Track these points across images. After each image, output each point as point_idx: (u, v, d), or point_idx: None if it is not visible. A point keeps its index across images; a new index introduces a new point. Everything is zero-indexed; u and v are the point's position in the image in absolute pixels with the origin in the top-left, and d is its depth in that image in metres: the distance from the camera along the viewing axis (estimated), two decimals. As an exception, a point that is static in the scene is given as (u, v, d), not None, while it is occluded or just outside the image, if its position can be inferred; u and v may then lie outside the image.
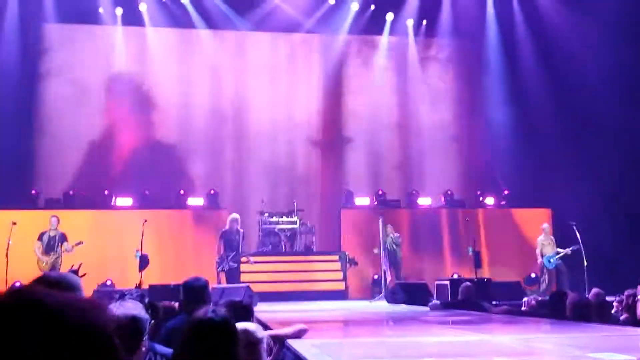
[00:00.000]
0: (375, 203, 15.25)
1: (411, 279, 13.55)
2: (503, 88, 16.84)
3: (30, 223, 12.80)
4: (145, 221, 11.99)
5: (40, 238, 12.01)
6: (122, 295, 3.03)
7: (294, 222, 14.50)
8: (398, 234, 13.89)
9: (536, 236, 13.72)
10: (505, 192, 15.77)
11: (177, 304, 5.41)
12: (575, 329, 5.25)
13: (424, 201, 15.50)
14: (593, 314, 5.68)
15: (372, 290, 13.55)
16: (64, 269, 11.95)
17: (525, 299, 8.23)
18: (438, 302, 9.47)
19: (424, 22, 17.06)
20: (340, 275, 13.95)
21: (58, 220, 12.22)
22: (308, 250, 14.52)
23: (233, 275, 11.69)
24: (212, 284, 9.95)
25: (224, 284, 11.31)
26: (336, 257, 14.22)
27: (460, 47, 17.54)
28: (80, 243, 11.88)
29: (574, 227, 12.41)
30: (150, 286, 10.51)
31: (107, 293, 10.07)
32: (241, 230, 12.01)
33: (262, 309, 8.25)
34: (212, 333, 2.36)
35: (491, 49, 17.16)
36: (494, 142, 16.94)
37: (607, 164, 14.44)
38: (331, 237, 15.44)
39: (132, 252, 11.91)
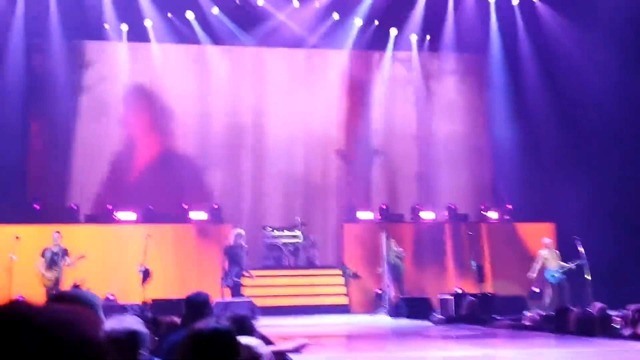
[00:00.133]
0: (379, 217, 15.21)
1: (414, 293, 13.49)
2: (507, 103, 16.83)
3: (33, 238, 12.79)
4: (149, 236, 11.98)
5: (43, 254, 11.94)
6: (124, 310, 3.02)
7: (297, 237, 14.48)
8: (402, 249, 13.85)
9: (539, 250, 13.63)
10: (509, 206, 15.73)
11: (178, 319, 5.39)
12: (579, 344, 5.22)
13: (427, 215, 15.46)
14: (597, 328, 5.65)
15: (375, 304, 13.48)
16: (66, 283, 11.95)
17: (527, 313, 8.19)
18: (441, 316, 9.42)
19: (428, 37, 17.08)
20: (343, 289, 13.91)
21: (60, 236, 12.17)
22: (311, 265, 14.50)
23: (238, 290, 11.67)
24: (216, 299, 9.94)
25: (227, 299, 11.28)
26: (339, 272, 14.19)
27: (464, 62, 17.56)
28: (82, 257, 11.83)
29: (578, 242, 12.35)
30: (153, 300, 10.49)
31: (109, 307, 10.03)
32: (245, 246, 11.99)
33: (264, 324, 8.21)
34: (214, 343, 2.34)
35: (495, 64, 17.17)
36: (497, 157, 16.93)
37: (611, 178, 14.41)
38: (336, 251, 15.42)
39: (135, 266, 11.89)
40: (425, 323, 9.16)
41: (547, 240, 13.43)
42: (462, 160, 17.12)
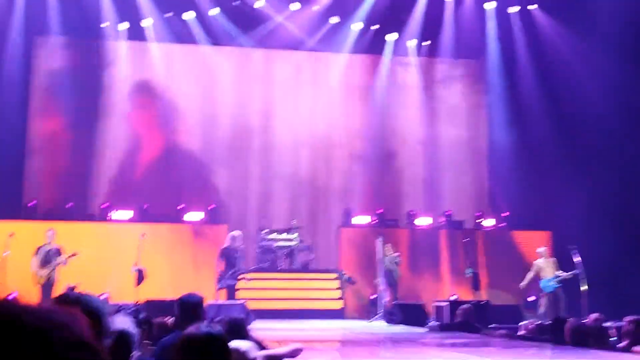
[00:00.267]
0: (375, 222, 15.19)
1: (409, 300, 13.46)
2: (505, 110, 16.87)
3: (28, 234, 12.75)
4: (144, 235, 11.95)
5: (37, 253, 11.89)
6: (118, 310, 2.99)
7: (292, 240, 14.45)
8: (398, 254, 13.83)
9: (535, 259, 13.61)
10: (505, 214, 15.72)
11: (170, 320, 5.36)
12: (573, 355, 5.19)
13: (423, 221, 15.45)
14: (592, 340, 5.62)
15: (369, 309, 13.45)
16: (59, 282, 11.91)
17: (523, 322, 8.16)
18: (436, 323, 9.39)
19: (425, 43, 17.10)
20: (338, 294, 13.88)
21: (54, 234, 12.10)
22: (305, 268, 14.46)
23: (233, 292, 11.63)
24: (210, 301, 9.90)
25: (220, 301, 11.23)
26: (334, 276, 14.16)
27: (462, 67, 17.60)
28: (74, 255, 11.76)
29: (574, 252, 12.32)
30: (147, 301, 10.44)
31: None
32: (241, 248, 11.96)
33: (258, 327, 8.17)
34: (206, 348, 2.33)
35: (492, 71, 17.22)
36: (494, 164, 16.95)
37: (608, 186, 14.41)
38: (331, 255, 15.41)
39: (130, 266, 11.85)
40: (420, 330, 9.13)
41: (541, 249, 13.38)
42: (459, 166, 17.14)
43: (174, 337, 4.19)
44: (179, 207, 14.63)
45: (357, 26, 16.62)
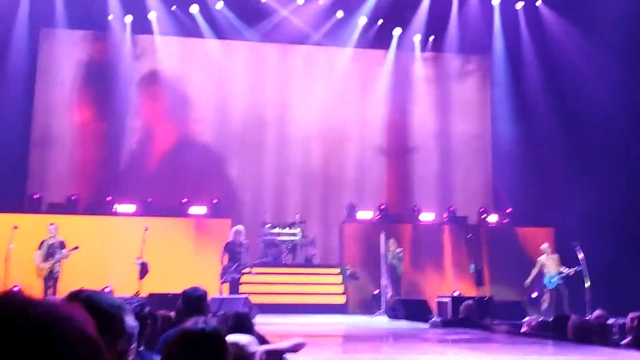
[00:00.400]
0: (378, 217, 15.19)
1: (412, 295, 13.46)
2: (509, 106, 16.83)
3: (32, 227, 12.79)
4: (147, 228, 11.96)
5: (40, 246, 11.97)
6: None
7: (295, 234, 14.46)
8: (401, 249, 13.82)
9: (538, 255, 13.60)
10: (509, 210, 15.71)
11: (173, 313, 5.36)
12: (576, 352, 5.18)
13: (426, 217, 15.45)
14: (594, 336, 5.61)
15: (372, 305, 13.46)
16: (63, 276, 11.96)
17: (526, 319, 8.16)
18: (438, 319, 9.39)
19: (431, 37, 17.08)
20: (341, 289, 13.89)
21: (56, 228, 12.16)
22: (308, 263, 14.47)
23: (235, 286, 11.64)
24: (213, 295, 9.91)
25: (223, 295, 11.25)
26: (337, 271, 14.17)
27: (467, 63, 17.57)
28: (75, 248, 11.82)
29: (577, 248, 12.31)
30: (150, 294, 10.45)
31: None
32: (245, 242, 11.96)
33: (260, 321, 8.18)
34: (201, 344, 2.32)
35: (497, 67, 17.18)
36: (498, 160, 16.92)
37: (612, 183, 14.38)
38: (335, 250, 15.45)
39: (133, 259, 11.87)
40: (422, 325, 9.12)
41: (545, 245, 13.39)
42: (463, 162, 17.12)
43: (177, 331, 4.19)
44: (183, 201, 14.64)
45: (362, 20, 16.60)
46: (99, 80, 16.01)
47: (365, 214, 15.29)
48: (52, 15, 15.30)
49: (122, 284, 12.27)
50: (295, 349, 4.38)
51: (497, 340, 6.76)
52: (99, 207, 14.48)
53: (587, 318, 7.26)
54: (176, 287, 10.24)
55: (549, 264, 13.12)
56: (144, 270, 11.64)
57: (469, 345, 6.21)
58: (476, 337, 7.02)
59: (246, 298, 10.72)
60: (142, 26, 15.96)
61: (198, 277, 12.24)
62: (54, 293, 11.73)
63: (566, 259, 12.92)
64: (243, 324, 3.99)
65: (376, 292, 13.41)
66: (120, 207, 14.29)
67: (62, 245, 11.91)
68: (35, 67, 15.69)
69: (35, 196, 14.30)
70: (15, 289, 11.85)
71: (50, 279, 11.80)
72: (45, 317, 0.84)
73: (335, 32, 16.60)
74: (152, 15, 15.96)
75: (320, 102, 16.77)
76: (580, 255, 12.22)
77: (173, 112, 16.27)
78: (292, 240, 14.44)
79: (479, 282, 12.90)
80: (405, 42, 17.04)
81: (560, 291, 12.92)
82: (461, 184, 16.96)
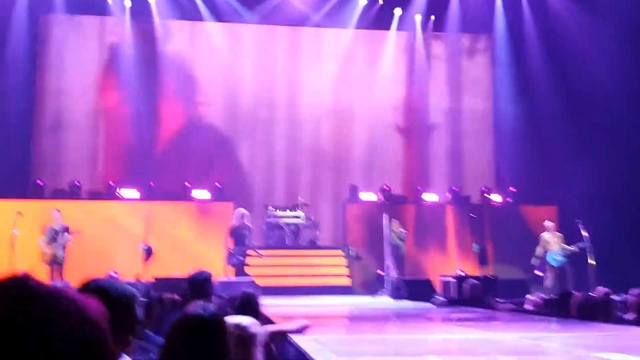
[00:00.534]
0: (381, 198, 15.21)
1: (416, 275, 13.51)
2: (511, 85, 16.77)
3: (35, 213, 12.83)
4: (150, 212, 12.00)
5: (44, 232, 12.07)
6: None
7: (298, 217, 14.50)
8: (404, 230, 13.85)
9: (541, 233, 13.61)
10: (512, 189, 15.71)
11: (177, 297, 5.40)
12: (580, 328, 5.21)
13: (430, 197, 15.46)
14: (599, 313, 5.64)
15: (376, 285, 13.52)
16: (69, 261, 12.05)
17: (529, 296, 8.19)
18: (443, 298, 9.43)
19: (432, 17, 16.99)
20: (345, 270, 13.95)
21: (60, 213, 12.22)
22: (312, 245, 14.53)
23: (241, 269, 11.72)
24: (218, 278, 9.96)
25: (228, 278, 11.31)
26: (340, 252, 14.22)
27: (468, 43, 17.47)
28: (78, 232, 11.92)
29: (580, 225, 12.32)
30: (155, 278, 10.51)
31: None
32: (249, 226, 12.02)
33: (265, 303, 8.23)
34: (200, 329, 2.34)
35: (499, 45, 17.10)
36: (500, 139, 16.89)
37: (615, 161, 14.36)
38: (337, 232, 15.48)
39: (137, 243, 11.93)
40: (427, 305, 9.16)
41: (549, 223, 13.40)
42: (465, 142, 17.09)
43: (178, 316, 4.23)
44: (186, 184, 14.67)
45: (363, 1, 16.50)
46: (105, 64, 15.96)
47: (368, 195, 15.30)
48: (51, 1, 15.23)
49: (127, 269, 12.34)
50: (300, 330, 4.42)
51: (501, 318, 6.80)
52: (102, 192, 14.50)
53: (591, 295, 7.29)
54: (181, 270, 10.32)
55: (552, 242, 13.13)
56: (148, 254, 11.70)
57: (473, 323, 6.24)
58: (480, 315, 7.06)
59: (252, 281, 10.79)
60: (141, 10, 15.87)
61: (202, 261, 12.34)
62: (61, 278, 11.82)
63: (570, 236, 12.93)
64: (250, 305, 4.02)
65: (380, 272, 13.46)
66: (123, 192, 14.32)
67: (65, 230, 12.00)
68: (36, 52, 15.63)
69: (39, 182, 14.33)
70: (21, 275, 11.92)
71: (55, 263, 11.91)
72: (49, 311, 0.83)
73: (336, 14, 16.50)
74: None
75: (322, 83, 16.69)
76: (584, 233, 12.23)
77: (178, 95, 16.19)
78: (296, 223, 14.48)
79: (482, 261, 12.94)
80: (406, 22, 16.94)
81: (564, 269, 12.95)
82: (464, 164, 16.95)
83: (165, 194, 14.44)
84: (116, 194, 14.30)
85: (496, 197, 15.65)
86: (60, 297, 0.85)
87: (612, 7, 14.19)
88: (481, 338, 4.78)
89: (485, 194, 15.68)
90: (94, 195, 14.37)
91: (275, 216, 14.43)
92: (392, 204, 14.87)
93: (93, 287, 2.00)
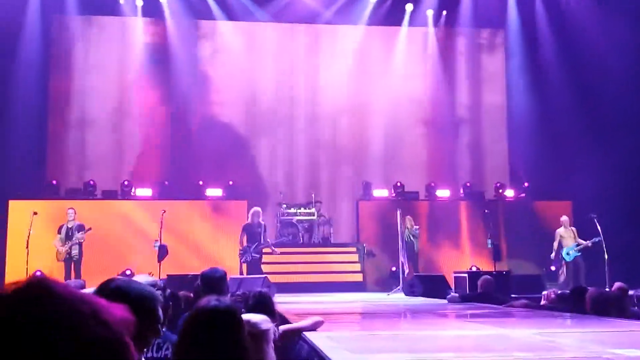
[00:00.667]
0: (394, 195, 15.20)
1: (429, 271, 13.49)
2: (525, 80, 16.68)
3: (50, 213, 12.97)
4: (164, 211, 12.08)
5: (59, 231, 12.28)
6: (153, 285, 3.01)
7: (311, 214, 14.53)
8: (417, 226, 13.85)
9: (556, 229, 13.56)
10: (526, 184, 15.64)
11: (191, 294, 5.43)
12: (595, 324, 5.18)
13: (443, 193, 15.43)
14: (613, 309, 5.60)
15: (389, 282, 13.52)
16: (84, 259, 12.19)
17: (544, 292, 8.15)
18: (456, 294, 9.40)
19: (444, 12, 16.93)
20: (358, 267, 13.96)
21: (74, 212, 12.44)
22: (326, 242, 14.55)
23: (254, 266, 11.77)
24: (231, 275, 10.01)
25: (242, 275, 11.37)
26: (354, 249, 14.24)
27: (480, 37, 17.39)
28: (88, 229, 12.12)
29: (595, 220, 12.26)
30: (169, 276, 10.58)
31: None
32: (263, 223, 12.09)
33: (279, 300, 8.26)
34: (214, 321, 2.33)
35: (512, 39, 17.00)
36: (514, 134, 16.81)
37: (629, 156, 14.24)
38: (351, 229, 15.49)
39: (151, 242, 12.02)
40: (440, 301, 9.14)
41: (564, 218, 13.38)
42: (479, 137, 17.02)
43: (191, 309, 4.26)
44: (200, 183, 14.74)
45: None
46: (114, 65, 16.04)
47: (381, 192, 15.30)
48: (62, 1, 15.33)
49: (141, 267, 12.43)
50: (313, 327, 4.44)
51: (516, 314, 6.77)
52: (117, 191, 14.61)
53: (605, 290, 7.25)
54: (195, 268, 10.39)
55: (566, 237, 13.10)
56: (162, 252, 11.78)
57: (487, 320, 6.22)
58: (494, 311, 7.04)
59: (265, 277, 10.82)
60: (153, 10, 15.94)
61: (216, 258, 12.42)
62: (77, 276, 11.97)
63: (584, 231, 12.87)
64: (264, 303, 4.04)
65: (394, 269, 13.46)
66: (138, 191, 14.43)
67: (80, 228, 12.21)
68: (49, 53, 15.73)
69: (53, 182, 14.46)
70: (37, 273, 12.06)
71: (70, 261, 12.10)
72: (64, 313, 0.84)
73: (347, 11, 16.48)
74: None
75: (337, 80, 16.66)
76: (599, 228, 12.16)
77: (192, 94, 16.22)
78: (309, 220, 14.51)
79: (496, 256, 12.89)
80: (417, 18, 16.89)
81: (577, 264, 12.90)
82: (478, 159, 16.88)
83: (179, 193, 14.52)
84: (131, 193, 14.40)
85: (510, 193, 15.60)
86: (77, 300, 0.86)
87: (624, 0, 14.07)
88: (496, 334, 4.77)
89: (499, 190, 15.63)
90: (109, 195, 14.48)
91: (288, 214, 14.48)
92: (405, 200, 14.86)
93: (112, 288, 2.01)
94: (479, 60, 17.39)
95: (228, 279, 5.19)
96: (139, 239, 13.32)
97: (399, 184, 15.34)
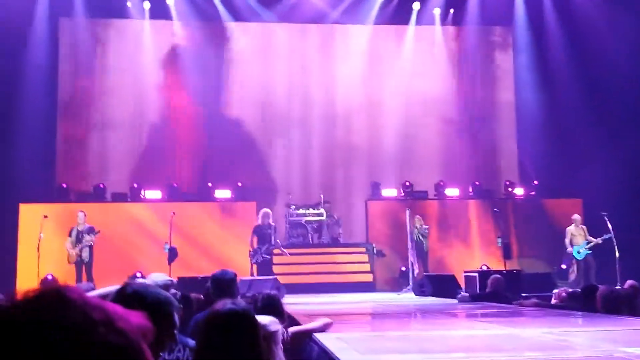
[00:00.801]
0: (403, 194, 15.17)
1: (439, 271, 13.46)
2: (533, 78, 16.61)
3: (61, 216, 13.04)
4: (174, 213, 12.12)
5: (70, 234, 12.35)
6: (167, 288, 3.02)
7: (320, 214, 14.53)
8: (427, 226, 13.83)
9: (566, 227, 13.51)
10: (535, 182, 15.58)
11: (201, 296, 5.45)
12: (606, 323, 5.15)
13: (452, 192, 15.39)
14: (624, 307, 5.57)
15: (399, 282, 13.51)
16: (95, 262, 12.25)
17: (555, 291, 8.12)
18: (466, 294, 9.38)
19: (451, 10, 16.90)
20: (367, 267, 13.95)
21: (85, 215, 12.50)
22: (335, 242, 14.55)
23: (265, 267, 11.80)
24: (241, 276, 10.04)
25: (251, 277, 11.39)
26: (363, 249, 14.23)
27: (488, 34, 17.33)
28: (98, 232, 12.18)
29: (605, 217, 12.21)
30: (179, 278, 10.60)
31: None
32: (273, 224, 12.13)
33: (289, 301, 8.27)
34: (232, 325, 2.34)
35: (520, 36, 16.93)
36: (523, 131, 16.74)
37: (638, 151, 14.16)
38: (360, 229, 15.48)
39: (161, 244, 12.07)
40: (450, 301, 9.12)
41: (577, 217, 13.33)
42: (488, 135, 16.95)
43: (207, 313, 4.27)
44: (209, 185, 14.78)
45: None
46: (126, 66, 16.10)
47: (390, 192, 15.28)
48: (70, 4, 15.40)
49: (151, 270, 12.45)
50: (323, 328, 4.44)
51: (526, 313, 6.75)
52: (126, 194, 14.66)
53: (617, 288, 7.22)
54: (205, 270, 10.42)
55: (577, 235, 13.05)
56: (172, 255, 11.82)
57: (498, 319, 6.21)
58: (505, 310, 7.02)
59: (275, 279, 10.84)
60: (160, 12, 15.99)
61: (226, 260, 12.45)
62: (89, 279, 12.04)
63: (595, 229, 12.81)
64: (273, 305, 4.04)
65: (403, 269, 13.45)
66: (147, 193, 14.48)
67: (90, 231, 12.27)
68: (57, 58, 15.79)
69: (63, 185, 14.53)
70: (49, 277, 12.12)
71: (81, 264, 12.16)
72: (77, 320, 0.83)
73: (353, 10, 16.48)
74: (170, 1, 16.00)
75: (347, 80, 16.65)
76: (609, 225, 12.11)
77: (202, 96, 16.24)
78: (318, 221, 14.52)
79: (506, 255, 12.85)
80: (424, 17, 16.86)
81: (588, 262, 12.84)
82: (487, 157, 16.82)
83: (188, 195, 14.56)
84: (140, 195, 14.45)
85: (519, 191, 15.54)
86: (91, 308, 0.86)
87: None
88: (506, 334, 4.76)
89: (508, 188, 15.58)
90: (118, 197, 14.54)
91: (297, 215, 14.49)
92: (415, 199, 14.83)
93: (129, 293, 2.01)
94: (487, 58, 17.33)
95: (238, 280, 5.19)
96: (148, 241, 13.37)
97: (407, 184, 15.32)
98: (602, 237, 12.43)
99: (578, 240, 13.03)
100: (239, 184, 14.88)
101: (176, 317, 2.05)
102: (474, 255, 14.64)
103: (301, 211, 14.55)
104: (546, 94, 16.23)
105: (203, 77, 16.21)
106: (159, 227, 13.09)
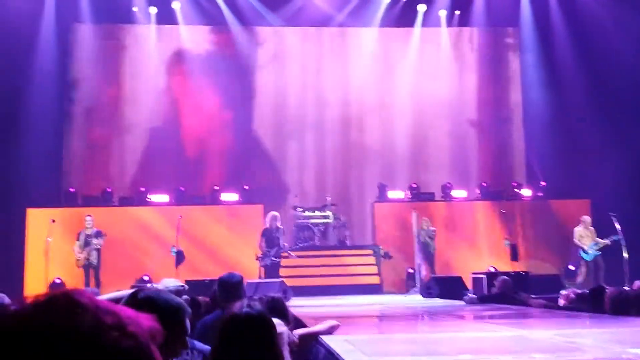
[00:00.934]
0: (409, 196, 15.15)
1: (446, 273, 13.43)
2: (540, 78, 16.56)
3: (69, 220, 13.08)
4: (181, 217, 12.14)
5: (78, 237, 12.41)
6: (178, 292, 3.02)
7: (327, 217, 14.53)
8: (434, 228, 13.80)
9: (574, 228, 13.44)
10: (542, 183, 15.52)
11: (208, 299, 5.45)
12: (615, 324, 5.13)
13: (458, 193, 15.35)
14: (632, 307, 5.54)
15: (406, 284, 13.48)
16: (102, 266, 12.30)
17: (563, 292, 8.08)
18: (474, 296, 9.35)
19: (457, 12, 16.88)
20: (374, 269, 13.93)
21: (92, 219, 12.57)
22: (342, 245, 14.54)
23: (273, 270, 11.82)
24: (249, 279, 10.05)
25: (258, 279, 11.40)
26: (370, 251, 14.21)
27: (495, 36, 17.30)
28: (105, 235, 12.25)
29: (614, 218, 12.15)
30: (186, 281, 10.61)
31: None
32: (281, 227, 12.15)
33: (296, 304, 8.27)
34: (249, 328, 2.35)
35: (526, 36, 16.89)
36: (530, 133, 16.69)
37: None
38: (367, 231, 15.46)
39: (168, 248, 12.10)
40: (458, 303, 9.10)
41: (586, 218, 13.26)
42: (495, 136, 16.90)
43: (215, 315, 4.27)
44: (215, 188, 14.80)
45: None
46: (131, 71, 16.16)
47: (396, 194, 15.25)
48: (77, 10, 15.46)
49: (158, 273, 12.51)
50: (329, 331, 4.44)
51: (534, 315, 6.72)
52: (133, 197, 14.69)
53: (625, 289, 7.18)
54: (212, 273, 10.43)
55: (585, 236, 12.99)
56: (179, 258, 11.84)
57: (506, 321, 6.19)
58: (513, 312, 6.99)
59: (281, 281, 10.84)
60: (166, 17, 16.04)
61: (233, 263, 12.46)
62: (97, 283, 12.09)
63: (603, 230, 12.75)
64: (277, 308, 4.04)
65: (410, 270, 13.42)
66: (154, 197, 14.51)
67: (98, 234, 12.33)
68: (66, 63, 15.85)
69: (71, 190, 14.58)
70: (57, 281, 12.16)
71: (89, 267, 12.22)
72: (88, 324, 0.83)
73: (358, 13, 16.48)
74: (176, 5, 16.05)
75: (356, 83, 16.64)
76: (618, 226, 12.05)
77: (209, 99, 16.26)
78: (325, 223, 14.51)
79: (514, 256, 12.81)
80: (430, 19, 16.85)
81: (597, 263, 12.79)
82: (494, 158, 16.78)
83: (195, 198, 14.58)
84: (147, 199, 14.48)
85: (527, 192, 15.49)
86: (101, 311, 0.86)
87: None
88: (514, 335, 4.74)
89: (515, 189, 15.53)
90: (125, 202, 14.57)
91: (304, 217, 14.49)
92: (421, 201, 14.80)
93: (141, 298, 2.02)
94: (494, 59, 17.28)
95: (245, 283, 5.20)
96: (156, 244, 13.39)
97: (414, 185, 15.29)
98: (611, 239, 12.36)
99: (586, 241, 12.98)
100: (246, 187, 14.89)
101: (188, 323, 2.05)
102: (481, 256, 14.59)
103: (307, 214, 14.55)
104: (553, 94, 16.17)
105: (212, 81, 16.24)
106: (166, 230, 13.12)
